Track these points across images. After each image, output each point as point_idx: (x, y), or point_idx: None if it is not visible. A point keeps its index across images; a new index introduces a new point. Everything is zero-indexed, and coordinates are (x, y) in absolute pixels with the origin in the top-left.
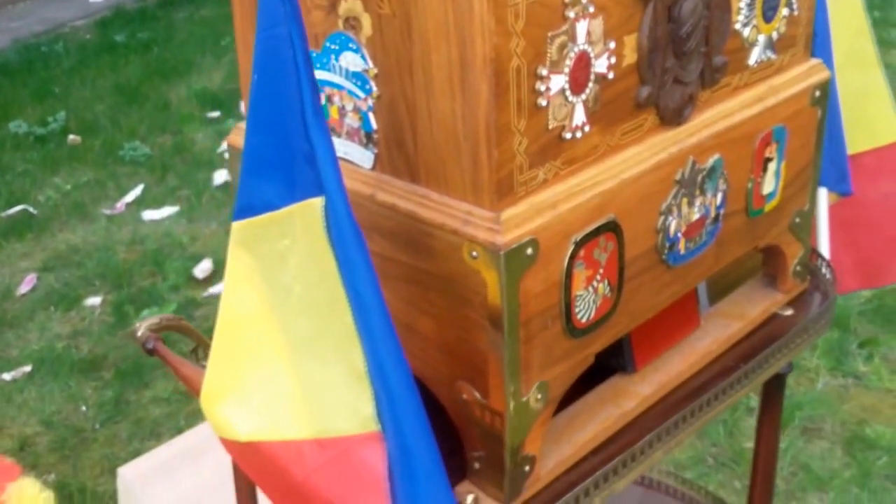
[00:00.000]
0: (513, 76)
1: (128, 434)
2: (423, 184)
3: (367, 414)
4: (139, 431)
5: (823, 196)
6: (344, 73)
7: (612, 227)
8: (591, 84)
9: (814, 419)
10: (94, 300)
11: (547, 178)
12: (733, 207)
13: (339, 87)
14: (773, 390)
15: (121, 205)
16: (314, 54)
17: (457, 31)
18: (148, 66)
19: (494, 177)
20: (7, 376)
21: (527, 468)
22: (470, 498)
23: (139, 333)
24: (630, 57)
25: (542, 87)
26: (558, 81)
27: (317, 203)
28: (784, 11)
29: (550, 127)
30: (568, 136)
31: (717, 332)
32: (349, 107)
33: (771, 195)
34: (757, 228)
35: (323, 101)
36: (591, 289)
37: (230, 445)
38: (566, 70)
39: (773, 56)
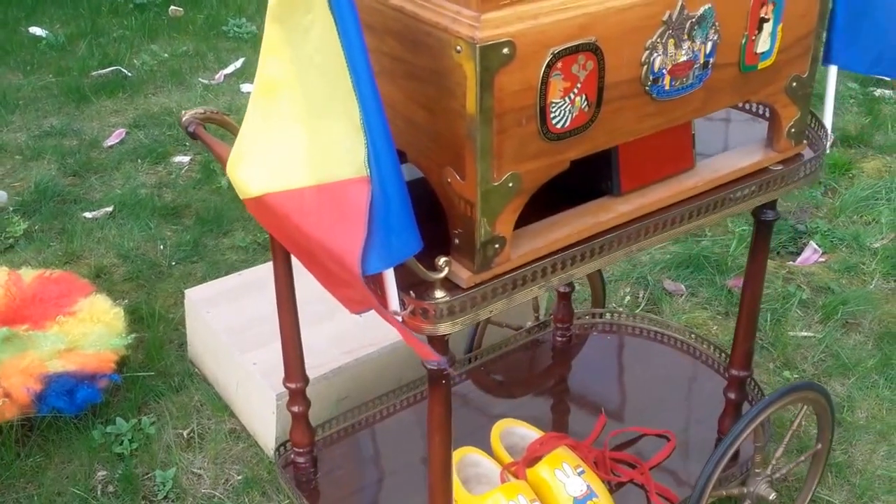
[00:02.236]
0: None
1: (202, 273)
2: None
3: (361, 160)
4: (213, 272)
5: (833, 73)
6: None
7: (593, 49)
8: None
9: (855, 315)
10: (182, 158)
11: None
12: (726, 59)
13: None
14: (761, 236)
15: (219, 76)
16: None
17: None
18: None
19: None
20: (88, 214)
21: (496, 247)
22: (442, 260)
23: (185, 118)
24: None
25: None
26: None
27: None
28: None
29: None
30: None
31: (706, 174)
32: None
33: (766, 55)
34: (750, 83)
35: None
36: (567, 100)
37: (248, 203)
38: None
39: None
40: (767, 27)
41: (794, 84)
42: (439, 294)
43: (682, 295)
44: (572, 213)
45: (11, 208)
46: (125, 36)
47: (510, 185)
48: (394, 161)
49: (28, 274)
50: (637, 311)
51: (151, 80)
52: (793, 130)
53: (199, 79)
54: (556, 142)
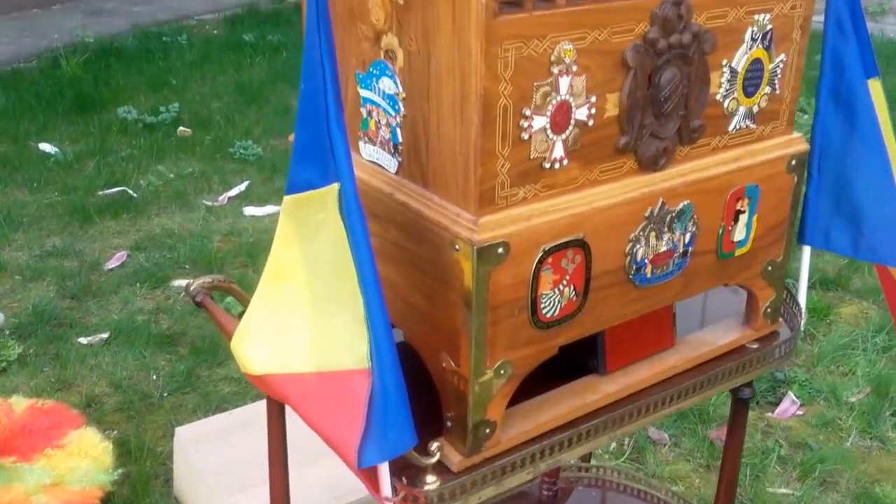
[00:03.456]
0: (500, 112)
1: (194, 405)
2: (430, 188)
3: (363, 352)
4: (205, 404)
5: (807, 253)
6: (381, 94)
7: (580, 244)
8: (571, 127)
9: (832, 473)
10: (181, 282)
11: (526, 197)
12: (704, 247)
13: (378, 104)
14: (738, 413)
15: (223, 198)
16: (361, 76)
17: (460, 70)
18: (273, 70)
19: (478, 189)
20: (83, 340)
21: (487, 431)
22: (435, 444)
23: (192, 287)
24: (612, 110)
25: (525, 125)
26: (540, 121)
27: (336, 187)
28: (766, 90)
29: (532, 157)
30: (547, 165)
31: (686, 352)
32: (383, 122)
33: (742, 242)
34: (727, 269)
35: (364, 115)
36: (556, 291)
37: (250, 377)
38: (548, 113)
39: (752, 125)
40: (743, 218)
41: (770, 268)
42: (430, 479)
43: (665, 444)
44: (560, 393)
45: (7, 331)
46: (133, 155)
47: (502, 371)
48: (394, 357)
49: (20, 403)
50: (622, 459)
51: (156, 201)
52: (769, 310)
53: (203, 200)
54: (546, 330)
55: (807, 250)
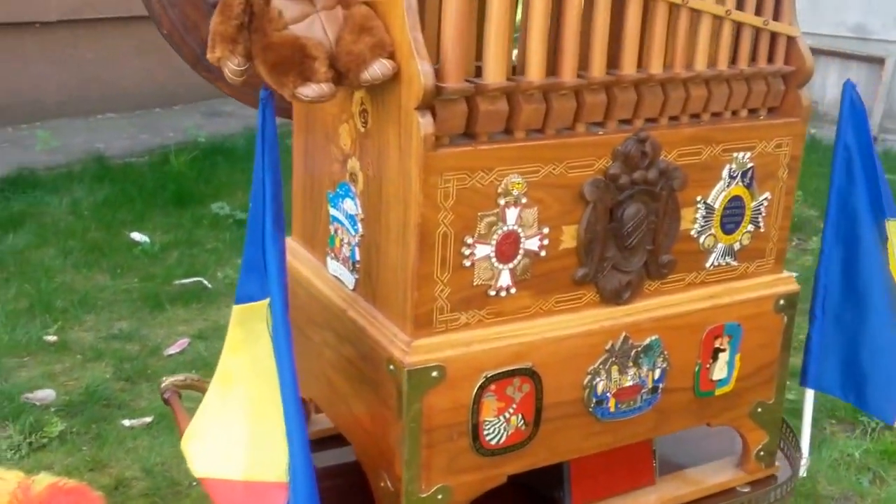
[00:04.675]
0: (439, 239)
1: None
2: (378, 307)
3: (283, 466)
4: None
5: (810, 396)
6: (345, 214)
7: (529, 373)
8: (520, 257)
9: None
10: None
11: (469, 322)
12: (677, 384)
13: (342, 223)
14: None
15: None
16: (331, 195)
17: (403, 197)
18: None
19: (413, 312)
20: (127, 423)
21: None
22: None
23: (163, 384)
24: (569, 242)
25: (468, 252)
26: (484, 250)
27: (268, 302)
28: (748, 227)
29: (475, 283)
30: (493, 293)
31: (668, 491)
32: (345, 240)
33: (723, 381)
34: (708, 408)
35: (332, 232)
36: (502, 418)
37: (196, 476)
38: (493, 242)
39: (734, 263)
40: (724, 356)
41: (760, 409)
42: None
43: None
44: None
45: (54, 408)
46: (217, 248)
47: (439, 496)
48: (309, 474)
49: (42, 481)
50: None
51: (229, 294)
52: (762, 453)
53: None
54: (491, 457)
55: (810, 392)
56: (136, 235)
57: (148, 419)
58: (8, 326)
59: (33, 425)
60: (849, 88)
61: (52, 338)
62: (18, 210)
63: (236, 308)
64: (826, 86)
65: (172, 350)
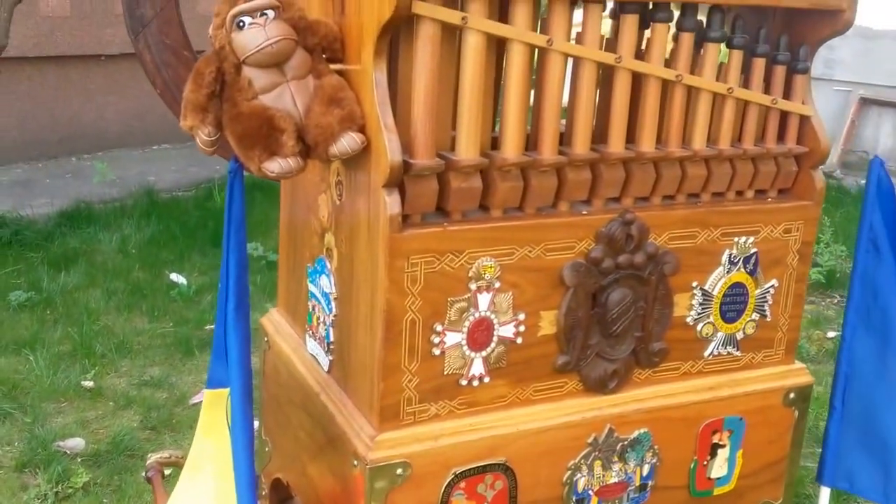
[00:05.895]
0: (406, 326)
1: None
2: (348, 394)
3: None
4: None
5: (825, 494)
6: (321, 291)
7: (503, 469)
8: (493, 344)
9: None
10: (254, 423)
11: (439, 413)
12: (669, 482)
13: (318, 301)
14: None
15: None
16: (310, 269)
17: (371, 280)
18: None
19: (379, 404)
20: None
21: None
22: None
23: (148, 461)
24: (548, 328)
25: (437, 340)
26: (455, 337)
27: (227, 392)
28: (753, 316)
29: (446, 373)
30: (464, 382)
31: None
32: (321, 319)
33: (723, 480)
34: None
35: (310, 309)
36: None
37: None
38: (464, 329)
39: (736, 353)
40: (723, 452)
41: None
42: None
43: None
44: None
45: (80, 458)
46: (250, 292)
47: None
48: None
49: None
50: None
51: (255, 339)
52: None
53: None
54: None
55: (826, 492)
56: (175, 276)
57: (167, 471)
58: (50, 370)
59: (61, 475)
60: (876, 166)
61: (89, 383)
62: (73, 247)
63: (207, 392)
64: (879, 136)
65: (196, 399)
